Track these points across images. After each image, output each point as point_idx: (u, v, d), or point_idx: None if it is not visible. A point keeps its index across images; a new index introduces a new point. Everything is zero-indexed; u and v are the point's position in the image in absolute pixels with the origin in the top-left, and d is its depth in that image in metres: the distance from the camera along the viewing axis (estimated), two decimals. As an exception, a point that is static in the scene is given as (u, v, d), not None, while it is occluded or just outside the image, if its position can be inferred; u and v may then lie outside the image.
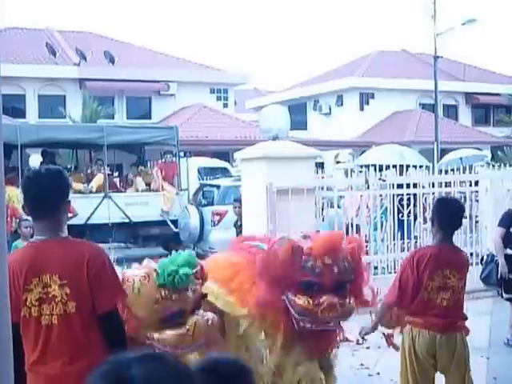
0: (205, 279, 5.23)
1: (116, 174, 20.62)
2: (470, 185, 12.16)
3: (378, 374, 7.71)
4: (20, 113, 31.38)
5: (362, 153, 23.11)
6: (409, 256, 5.57)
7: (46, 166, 5.20)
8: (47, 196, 3.86)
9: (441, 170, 12.28)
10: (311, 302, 4.99)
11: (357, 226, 11.22)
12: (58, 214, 3.92)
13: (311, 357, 5.36)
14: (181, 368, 1.56)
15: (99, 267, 3.84)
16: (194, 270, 5.07)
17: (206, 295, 5.22)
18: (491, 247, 11.97)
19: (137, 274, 4.79)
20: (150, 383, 1.47)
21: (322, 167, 16.23)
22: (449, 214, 5.50)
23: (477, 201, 12.64)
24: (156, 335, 4.84)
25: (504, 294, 9.14)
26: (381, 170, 11.49)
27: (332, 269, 5.02)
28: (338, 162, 30.85)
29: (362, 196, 11.30)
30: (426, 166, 12.15)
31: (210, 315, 5.10)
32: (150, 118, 34.59)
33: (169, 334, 4.89)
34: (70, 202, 4.09)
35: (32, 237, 6.11)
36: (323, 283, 5.01)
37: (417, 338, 5.40)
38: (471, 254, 12.21)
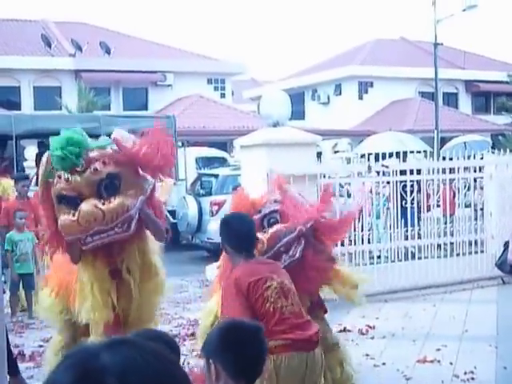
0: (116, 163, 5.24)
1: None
2: (475, 171, 11.91)
3: (384, 364, 7.49)
4: (15, 105, 31.08)
5: (361, 142, 22.88)
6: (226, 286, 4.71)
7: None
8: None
9: (444, 157, 12.03)
10: None
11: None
12: None
13: None
14: (157, 351, 1.31)
15: None
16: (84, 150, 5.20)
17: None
18: (495, 234, 11.80)
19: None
20: (124, 370, 1.21)
21: (320, 157, 16.00)
22: (238, 233, 4.77)
23: (481, 187, 12.41)
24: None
25: None
26: (383, 157, 11.23)
27: None
28: (336, 152, 30.65)
29: (364, 183, 11.06)
30: (430, 152, 11.92)
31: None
32: (146, 108, 34.34)
33: (61, 218, 5.13)
34: None
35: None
36: None
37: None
38: (475, 242, 12.01)
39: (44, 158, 5.35)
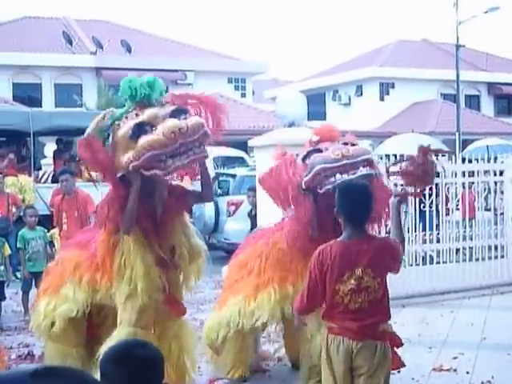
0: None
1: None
2: (495, 174, 11.69)
3: (399, 372, 7.30)
4: (36, 102, 31.22)
5: (381, 143, 22.67)
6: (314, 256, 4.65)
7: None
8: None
9: (464, 159, 11.80)
10: None
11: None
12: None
13: None
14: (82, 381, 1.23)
15: None
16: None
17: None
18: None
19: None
20: None
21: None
22: (354, 201, 4.63)
23: (501, 191, 12.18)
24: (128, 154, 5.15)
25: None
26: (402, 159, 11.00)
27: None
28: (357, 153, 30.42)
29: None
30: (449, 156, 11.70)
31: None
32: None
33: (142, 138, 5.10)
34: None
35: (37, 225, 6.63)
36: None
37: (331, 345, 4.61)
38: (495, 247, 11.79)
39: (99, 116, 5.49)
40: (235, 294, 6.62)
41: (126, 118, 5.28)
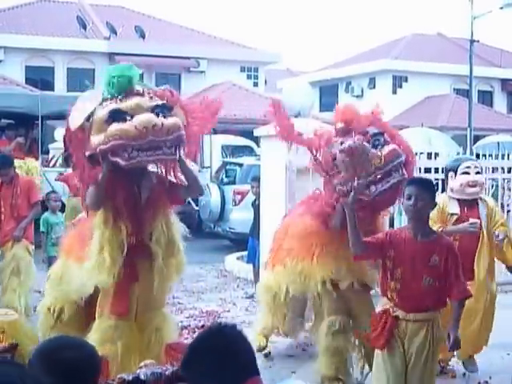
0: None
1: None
2: (503, 171, 11.59)
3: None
4: (48, 85, 31.22)
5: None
6: None
7: None
8: None
9: (472, 154, 11.71)
10: None
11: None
12: None
13: None
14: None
15: None
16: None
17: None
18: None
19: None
20: None
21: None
22: None
23: (509, 189, 12.09)
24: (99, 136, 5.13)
25: None
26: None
27: None
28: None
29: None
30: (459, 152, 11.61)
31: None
32: (178, 94, 34.18)
33: (113, 125, 5.08)
34: None
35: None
36: None
37: None
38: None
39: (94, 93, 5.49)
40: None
41: (112, 100, 5.25)
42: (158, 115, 5.17)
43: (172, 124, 5.14)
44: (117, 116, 5.13)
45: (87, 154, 5.29)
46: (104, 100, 5.29)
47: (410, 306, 4.92)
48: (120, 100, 5.24)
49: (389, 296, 4.99)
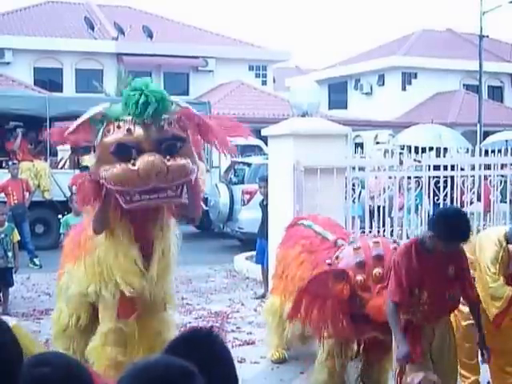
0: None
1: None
2: (512, 168, 11.50)
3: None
4: (57, 87, 31.30)
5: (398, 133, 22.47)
6: None
7: None
8: None
9: (481, 150, 11.63)
10: None
11: (383, 208, 10.71)
12: None
13: None
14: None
15: None
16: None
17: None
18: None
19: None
20: None
21: (362, 147, 15.66)
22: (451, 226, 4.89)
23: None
24: (105, 169, 4.92)
25: None
26: (423, 151, 10.88)
27: None
28: (377, 143, 30.28)
29: (395, 177, 10.72)
30: (468, 148, 11.53)
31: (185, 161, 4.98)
32: (187, 94, 34.15)
33: (116, 166, 4.88)
34: None
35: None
36: None
37: None
38: None
39: (96, 109, 5.19)
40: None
41: (119, 124, 5.03)
42: (165, 151, 4.92)
43: (178, 169, 4.90)
44: (123, 151, 4.92)
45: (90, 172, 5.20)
46: (116, 119, 5.06)
47: (435, 317, 5.16)
48: (128, 130, 4.99)
49: (411, 313, 5.12)
